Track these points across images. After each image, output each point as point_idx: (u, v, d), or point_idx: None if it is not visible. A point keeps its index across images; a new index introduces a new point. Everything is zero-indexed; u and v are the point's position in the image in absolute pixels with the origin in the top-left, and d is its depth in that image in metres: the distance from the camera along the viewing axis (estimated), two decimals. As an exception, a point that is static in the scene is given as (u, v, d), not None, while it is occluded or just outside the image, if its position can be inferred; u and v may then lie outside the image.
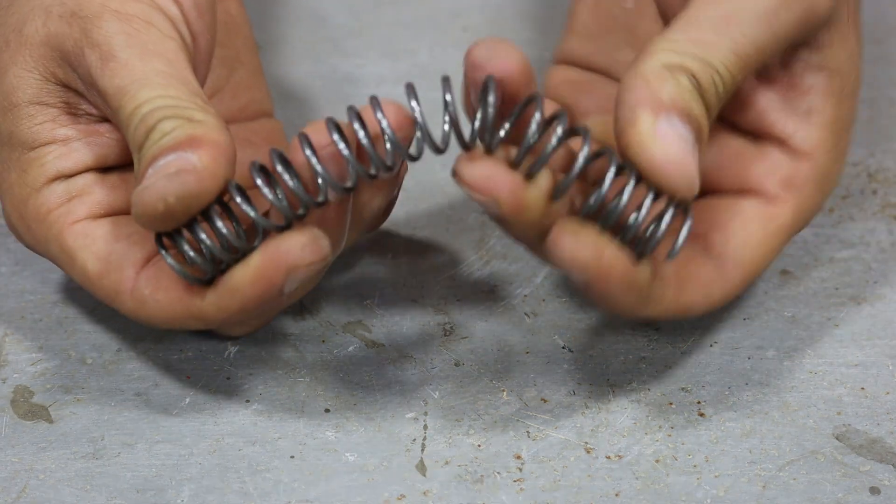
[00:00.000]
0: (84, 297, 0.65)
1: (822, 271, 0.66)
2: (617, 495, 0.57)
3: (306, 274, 0.55)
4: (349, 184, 0.56)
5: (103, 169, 0.60)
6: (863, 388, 0.61)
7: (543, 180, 0.54)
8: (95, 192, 0.59)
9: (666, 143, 0.54)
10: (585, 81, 0.65)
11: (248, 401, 0.61)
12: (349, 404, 0.61)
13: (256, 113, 0.67)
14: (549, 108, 0.56)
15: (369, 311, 0.64)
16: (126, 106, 0.56)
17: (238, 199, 0.56)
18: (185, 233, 0.56)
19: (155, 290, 0.57)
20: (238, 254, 0.56)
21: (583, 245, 0.53)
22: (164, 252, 0.56)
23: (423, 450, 0.59)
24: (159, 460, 0.58)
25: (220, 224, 0.55)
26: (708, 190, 0.59)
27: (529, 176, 0.54)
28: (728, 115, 0.59)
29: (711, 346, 0.63)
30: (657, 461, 0.58)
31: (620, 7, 0.64)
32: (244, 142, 0.64)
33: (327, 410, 0.60)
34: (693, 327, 0.63)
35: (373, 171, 0.56)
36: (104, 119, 0.60)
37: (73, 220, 0.59)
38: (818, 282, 0.65)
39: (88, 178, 0.59)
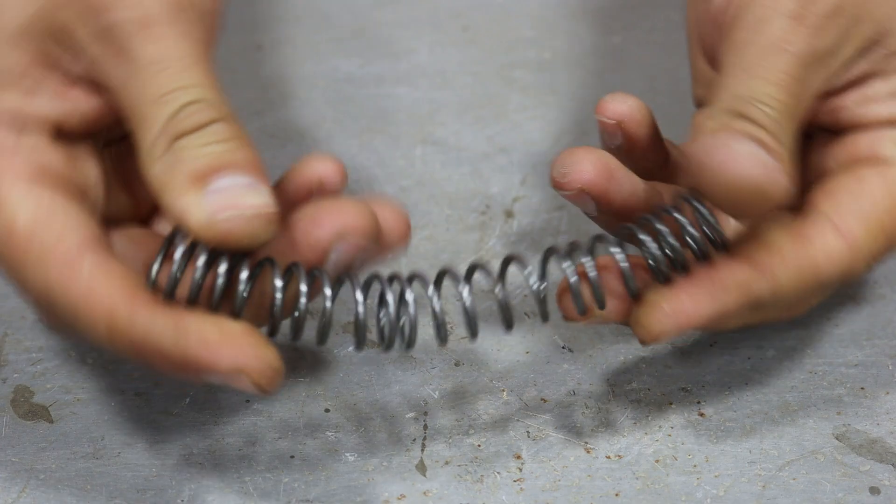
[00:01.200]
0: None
1: (822, 271, 0.65)
2: (617, 495, 0.57)
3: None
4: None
5: (57, 135, 0.57)
6: (863, 388, 0.61)
7: None
8: (49, 154, 0.56)
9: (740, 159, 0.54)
10: None
11: (248, 401, 0.61)
12: (349, 404, 0.61)
13: None
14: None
15: (369, 311, 0.64)
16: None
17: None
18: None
19: (100, 272, 0.53)
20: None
21: None
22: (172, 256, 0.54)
23: (423, 450, 0.59)
24: (159, 460, 0.58)
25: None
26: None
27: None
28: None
29: (711, 346, 0.63)
30: (657, 461, 0.58)
31: None
32: None
33: (327, 410, 0.60)
34: (693, 327, 0.63)
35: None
36: (79, 81, 0.57)
37: (22, 167, 0.55)
38: (818, 282, 0.65)
39: (44, 139, 0.56)
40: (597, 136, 0.62)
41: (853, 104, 0.59)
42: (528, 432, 0.59)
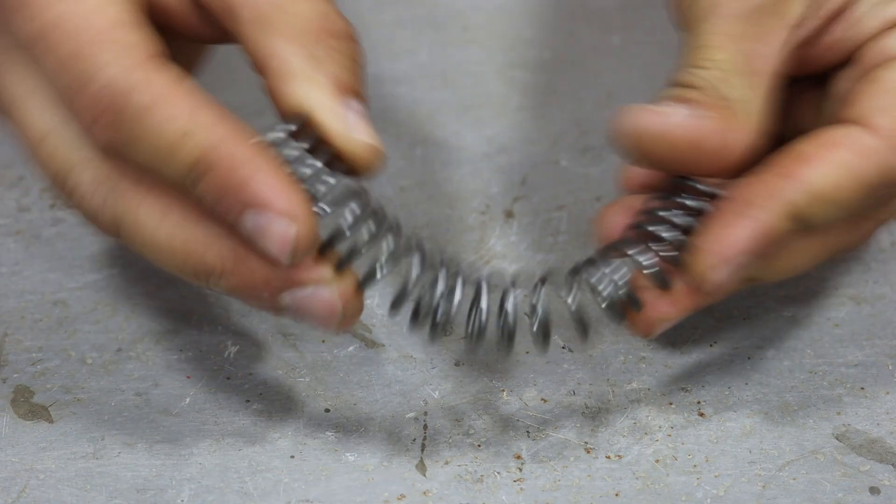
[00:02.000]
0: (84, 297, 0.65)
1: (822, 271, 0.65)
2: (617, 495, 0.57)
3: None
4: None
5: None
6: (863, 388, 0.61)
7: None
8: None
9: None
10: None
11: (248, 401, 0.61)
12: (349, 404, 0.61)
13: None
14: None
15: (369, 311, 0.64)
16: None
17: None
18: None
19: (184, 80, 0.53)
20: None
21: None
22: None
23: (423, 450, 0.59)
24: (159, 460, 0.58)
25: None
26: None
27: None
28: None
29: (711, 346, 0.63)
30: (657, 461, 0.58)
31: None
32: None
33: (327, 410, 0.60)
34: (693, 327, 0.63)
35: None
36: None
37: None
38: (818, 282, 0.65)
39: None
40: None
41: (844, 32, 0.58)
42: (528, 432, 0.59)
